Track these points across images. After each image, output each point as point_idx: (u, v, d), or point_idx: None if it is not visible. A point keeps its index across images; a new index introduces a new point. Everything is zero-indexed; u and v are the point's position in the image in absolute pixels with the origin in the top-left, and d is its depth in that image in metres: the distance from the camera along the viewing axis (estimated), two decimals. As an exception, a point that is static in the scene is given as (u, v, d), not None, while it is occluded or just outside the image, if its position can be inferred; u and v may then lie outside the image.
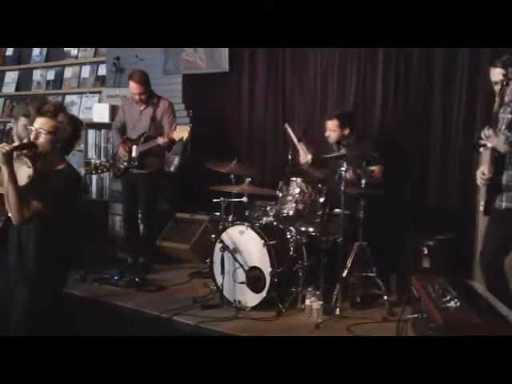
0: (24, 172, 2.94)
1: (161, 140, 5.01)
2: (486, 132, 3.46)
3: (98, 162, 5.19)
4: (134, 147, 5.18)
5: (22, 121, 4.13)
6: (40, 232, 2.96)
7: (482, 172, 3.58)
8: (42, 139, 2.95)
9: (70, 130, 3.02)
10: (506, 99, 3.51)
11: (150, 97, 5.27)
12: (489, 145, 3.47)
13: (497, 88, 3.50)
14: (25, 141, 3.02)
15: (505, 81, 3.43)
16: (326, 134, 4.87)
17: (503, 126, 3.53)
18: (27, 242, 2.98)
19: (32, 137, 2.95)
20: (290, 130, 5.00)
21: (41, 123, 2.96)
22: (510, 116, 3.55)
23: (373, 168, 4.54)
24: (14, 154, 2.90)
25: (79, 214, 3.27)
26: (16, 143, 3.04)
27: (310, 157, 4.84)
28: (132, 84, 5.18)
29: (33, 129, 2.97)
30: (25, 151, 2.95)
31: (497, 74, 3.51)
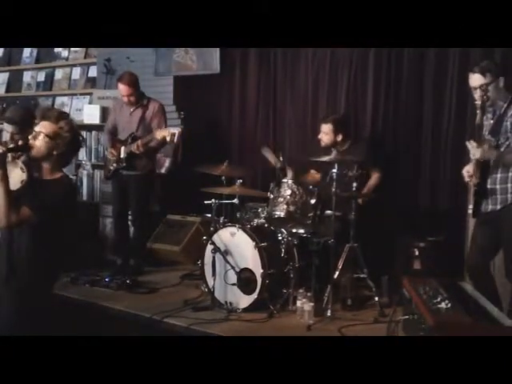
0: (17, 176, 2.92)
1: (136, 145, 5.03)
2: (470, 145, 3.50)
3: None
4: (123, 148, 5.17)
5: (7, 127, 4.13)
6: (33, 238, 2.95)
7: (467, 171, 3.62)
8: (38, 142, 2.93)
9: (69, 139, 2.99)
10: (490, 102, 3.54)
11: (139, 98, 5.26)
12: (475, 157, 3.50)
13: (476, 94, 3.54)
14: (20, 143, 3.00)
15: (484, 93, 3.46)
16: (319, 136, 4.90)
17: (486, 132, 3.56)
18: (19, 245, 2.96)
19: (30, 137, 2.95)
20: (268, 155, 5.00)
21: (42, 126, 2.96)
22: (491, 121, 3.58)
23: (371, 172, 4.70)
24: (9, 156, 2.88)
25: (74, 222, 3.22)
26: (11, 145, 3.01)
27: (291, 173, 4.84)
28: (120, 86, 5.19)
29: (34, 132, 2.96)
30: (19, 153, 2.94)
31: (475, 79, 3.54)
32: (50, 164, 3.00)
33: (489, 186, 3.54)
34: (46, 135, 2.92)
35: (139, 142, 5.04)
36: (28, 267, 2.95)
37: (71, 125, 3.02)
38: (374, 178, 4.81)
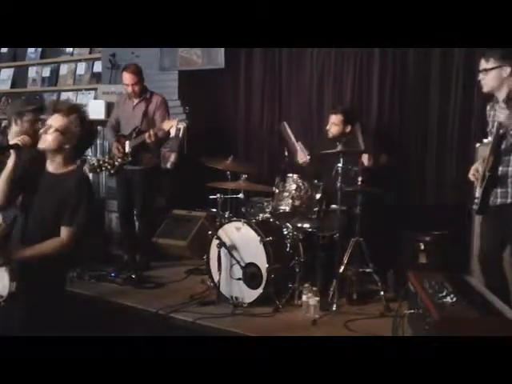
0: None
1: (149, 133, 4.99)
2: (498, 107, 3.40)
3: (100, 159, 5.19)
4: (127, 143, 5.17)
5: (28, 115, 4.11)
6: (46, 233, 2.97)
7: (476, 169, 3.58)
8: (49, 135, 2.94)
9: (80, 134, 2.99)
10: (486, 89, 3.49)
11: (143, 91, 5.26)
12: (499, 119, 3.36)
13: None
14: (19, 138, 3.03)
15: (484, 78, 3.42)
16: (327, 127, 4.89)
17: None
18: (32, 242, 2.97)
19: (42, 130, 2.97)
20: (288, 129, 4.98)
21: (53, 119, 2.97)
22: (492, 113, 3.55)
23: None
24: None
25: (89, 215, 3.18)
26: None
27: (308, 157, 4.84)
28: (125, 75, 5.19)
29: (45, 125, 2.99)
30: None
31: (480, 63, 3.47)
32: (62, 157, 3.01)
33: (500, 180, 3.45)
34: (56, 129, 2.93)
35: (151, 131, 5.00)
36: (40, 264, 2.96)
37: (82, 119, 3.02)
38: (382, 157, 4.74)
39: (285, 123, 5.06)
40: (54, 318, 2.97)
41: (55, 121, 2.95)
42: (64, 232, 2.94)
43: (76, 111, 3.01)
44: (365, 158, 4.60)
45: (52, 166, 3.03)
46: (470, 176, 3.63)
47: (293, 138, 4.93)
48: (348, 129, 4.84)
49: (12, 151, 2.97)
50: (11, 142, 2.99)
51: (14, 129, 4.11)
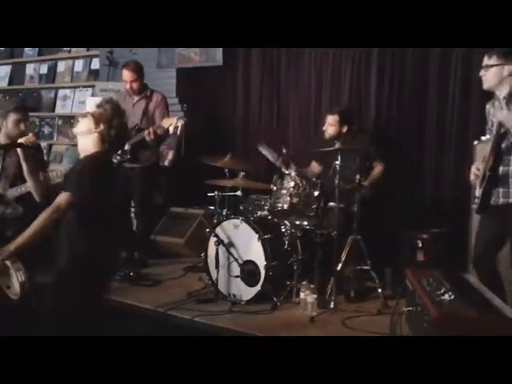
0: None
1: (148, 131, 4.96)
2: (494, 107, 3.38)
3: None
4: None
5: (13, 116, 4.10)
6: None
7: (477, 168, 3.56)
8: (82, 119, 3.09)
9: (109, 117, 3.08)
10: (486, 86, 3.47)
11: (142, 89, 5.25)
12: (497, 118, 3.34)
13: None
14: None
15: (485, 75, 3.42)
16: (324, 127, 4.89)
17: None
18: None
19: (81, 116, 3.16)
20: (266, 151, 4.96)
21: (91, 108, 3.21)
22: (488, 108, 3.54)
23: (374, 164, 4.70)
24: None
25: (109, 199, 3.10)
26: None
27: (294, 168, 4.82)
28: (125, 72, 5.19)
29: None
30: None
31: (484, 60, 3.45)
32: (91, 142, 3.08)
33: (501, 180, 3.41)
34: (88, 112, 3.10)
35: (151, 128, 4.98)
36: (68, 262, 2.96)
37: (114, 106, 3.14)
38: (377, 170, 4.78)
39: (263, 146, 5.03)
40: (50, 314, 2.99)
41: (92, 108, 3.14)
42: (59, 196, 2.93)
43: (111, 102, 3.18)
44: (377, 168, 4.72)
45: (82, 153, 3.11)
46: (472, 175, 3.60)
47: (272, 158, 4.91)
48: (344, 129, 4.84)
49: (19, 151, 3.09)
50: (19, 141, 3.13)
51: (2, 129, 4.12)
